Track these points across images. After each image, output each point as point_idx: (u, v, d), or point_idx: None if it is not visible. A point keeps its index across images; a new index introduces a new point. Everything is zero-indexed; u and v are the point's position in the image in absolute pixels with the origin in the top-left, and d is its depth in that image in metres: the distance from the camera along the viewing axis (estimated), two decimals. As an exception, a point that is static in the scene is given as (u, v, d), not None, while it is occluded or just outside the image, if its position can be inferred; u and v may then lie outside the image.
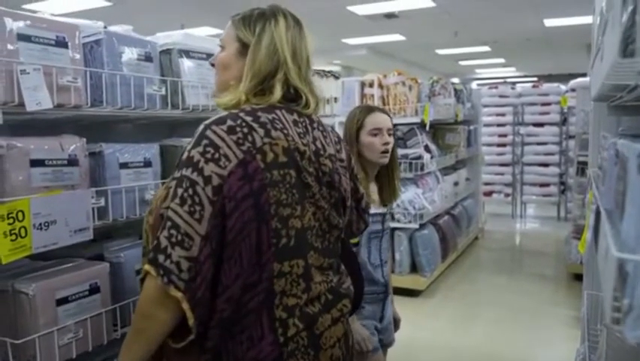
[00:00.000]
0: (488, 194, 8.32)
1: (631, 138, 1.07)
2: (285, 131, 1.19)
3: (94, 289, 1.58)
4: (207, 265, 1.08)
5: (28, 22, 1.42)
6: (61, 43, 1.50)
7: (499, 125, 8.42)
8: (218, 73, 1.32)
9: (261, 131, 1.15)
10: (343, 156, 1.36)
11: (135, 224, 2.04)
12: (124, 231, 2.07)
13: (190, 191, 1.08)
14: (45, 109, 1.41)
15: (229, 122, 1.14)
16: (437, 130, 5.57)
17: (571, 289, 4.67)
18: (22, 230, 1.35)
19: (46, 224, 1.41)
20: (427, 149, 4.68)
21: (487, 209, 8.13)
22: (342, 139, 1.42)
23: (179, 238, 1.06)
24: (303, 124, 1.26)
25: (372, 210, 1.93)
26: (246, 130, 1.14)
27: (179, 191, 1.09)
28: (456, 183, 5.66)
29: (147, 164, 1.79)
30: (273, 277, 1.14)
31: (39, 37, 1.44)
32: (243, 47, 1.26)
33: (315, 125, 1.30)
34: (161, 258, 1.06)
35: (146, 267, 1.08)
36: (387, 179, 2.04)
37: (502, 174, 8.40)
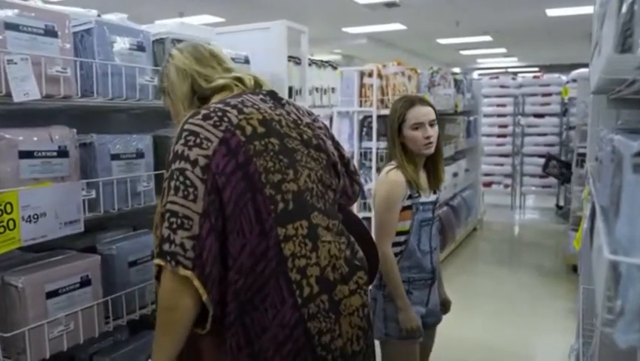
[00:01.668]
0: (488, 185, 8.30)
1: (629, 133, 1.05)
2: (256, 107, 1.30)
3: (85, 282, 1.56)
4: (210, 239, 1.13)
5: (16, 10, 1.39)
6: (51, 33, 1.47)
7: (499, 115, 8.37)
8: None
9: (234, 112, 1.25)
10: (320, 124, 1.45)
11: (129, 215, 2.02)
12: (118, 222, 2.06)
13: (181, 178, 1.15)
14: (33, 100, 1.38)
15: (203, 112, 1.24)
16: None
17: (569, 281, 4.67)
18: (11, 222, 1.33)
19: (35, 216, 1.39)
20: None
21: (487, 200, 8.12)
22: (313, 114, 1.49)
23: (179, 222, 1.12)
24: (271, 102, 1.36)
25: (423, 199, 2.01)
26: (220, 114, 1.23)
27: (172, 183, 1.16)
28: (455, 174, 5.63)
29: (139, 155, 1.77)
30: (280, 242, 1.19)
31: (27, 27, 1.41)
32: (168, 93, 1.45)
33: (284, 102, 1.40)
34: (165, 246, 1.12)
35: (156, 261, 1.14)
36: (432, 166, 2.06)
37: (501, 164, 8.37)
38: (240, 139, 1.20)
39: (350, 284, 1.29)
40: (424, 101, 2.04)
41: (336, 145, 1.48)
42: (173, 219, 1.12)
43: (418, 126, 1.98)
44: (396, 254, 1.99)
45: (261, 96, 1.36)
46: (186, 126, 1.22)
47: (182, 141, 1.19)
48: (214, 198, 1.15)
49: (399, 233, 2.00)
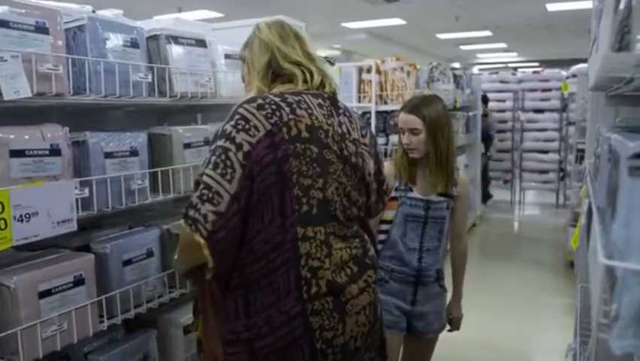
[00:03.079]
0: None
1: (626, 132, 1.03)
2: (310, 111, 1.34)
3: (78, 281, 1.55)
4: (234, 220, 1.20)
5: (6, 7, 1.37)
6: (42, 29, 1.45)
7: (499, 111, 8.33)
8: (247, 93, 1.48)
9: (287, 109, 1.30)
10: (367, 140, 1.47)
11: (126, 213, 2.01)
12: (114, 220, 2.05)
13: (223, 157, 1.22)
14: (24, 98, 1.37)
15: (259, 101, 1.30)
16: (436, 116, 5.50)
17: (568, 277, 4.66)
18: (2, 222, 1.32)
19: (27, 216, 1.38)
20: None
21: (486, 196, 8.10)
22: (365, 126, 1.53)
23: (210, 195, 1.19)
24: (328, 108, 1.40)
25: (413, 195, 2.03)
26: (274, 107, 1.29)
27: (213, 158, 1.23)
28: (454, 170, 5.61)
29: (134, 153, 1.75)
30: (298, 240, 1.25)
31: (17, 23, 1.39)
32: (246, 62, 1.50)
33: (341, 110, 1.44)
34: (191, 212, 1.19)
35: (182, 221, 1.22)
36: (433, 168, 2.03)
37: (501, 160, 8.35)
38: (284, 137, 1.27)
39: (359, 283, 1.35)
40: (413, 109, 1.99)
41: (378, 162, 1.52)
42: (205, 191, 1.19)
43: (401, 132, 2.03)
44: (380, 242, 2.01)
45: (320, 100, 1.39)
46: (240, 110, 1.28)
47: (232, 122, 1.26)
48: (248, 185, 1.21)
49: (383, 221, 2.03)
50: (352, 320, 1.31)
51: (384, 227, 2.04)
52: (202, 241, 1.18)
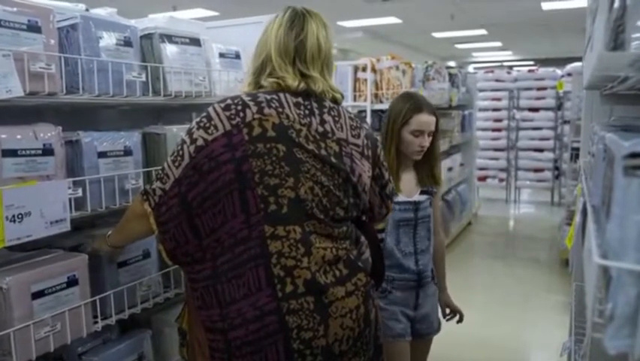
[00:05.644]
0: (482, 179, 8.29)
1: (621, 131, 1.03)
2: (280, 110, 1.33)
3: (72, 282, 1.54)
4: (174, 201, 1.33)
5: (-2, 5, 1.36)
6: (34, 28, 1.44)
7: (494, 109, 8.35)
8: None
9: (254, 108, 1.32)
10: (359, 142, 1.44)
11: (119, 213, 2.00)
12: (107, 220, 2.03)
13: (178, 148, 1.35)
14: (16, 97, 1.35)
15: (228, 101, 1.35)
16: (431, 115, 5.51)
17: (564, 275, 4.68)
18: (-6, 222, 1.31)
19: (20, 216, 1.37)
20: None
21: (481, 194, 8.12)
22: (363, 127, 1.48)
23: (161, 175, 1.36)
24: (308, 107, 1.38)
25: (401, 199, 1.97)
26: (239, 107, 1.32)
27: (174, 148, 1.37)
28: (450, 169, 5.62)
29: (127, 152, 1.74)
30: (266, 238, 1.27)
31: (9, 22, 1.37)
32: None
33: (326, 110, 1.41)
34: (147, 186, 1.40)
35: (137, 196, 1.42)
36: (426, 166, 2.04)
37: (496, 159, 8.36)
38: (244, 137, 1.29)
39: (347, 285, 1.34)
40: (430, 108, 2.00)
41: (379, 165, 1.51)
42: (159, 172, 1.37)
43: (418, 134, 1.96)
44: None
45: (299, 99, 1.38)
46: (209, 109, 1.35)
47: (197, 119, 1.35)
48: (192, 174, 1.31)
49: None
50: (337, 323, 1.30)
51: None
52: (149, 209, 1.35)
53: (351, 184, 1.39)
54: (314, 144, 1.34)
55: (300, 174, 1.31)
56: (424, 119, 1.96)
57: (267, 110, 1.32)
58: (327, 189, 1.34)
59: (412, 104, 1.98)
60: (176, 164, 1.33)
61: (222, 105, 1.34)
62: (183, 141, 1.34)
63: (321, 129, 1.37)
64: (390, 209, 1.61)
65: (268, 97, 1.35)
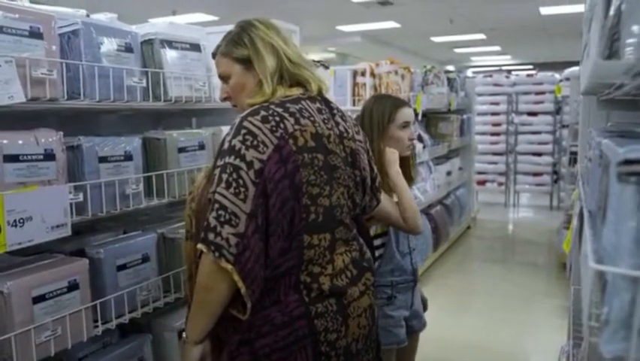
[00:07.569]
0: (481, 183, 8.30)
1: (617, 137, 1.04)
2: (312, 119, 1.32)
3: (72, 286, 1.55)
4: (254, 239, 1.18)
5: (0, 12, 1.37)
6: (36, 34, 1.45)
7: (493, 114, 8.36)
8: (237, 97, 1.42)
9: (292, 120, 1.28)
10: (361, 137, 1.48)
11: (120, 217, 2.01)
12: (108, 224, 2.04)
13: (234, 175, 1.19)
14: (18, 103, 1.36)
15: (262, 113, 1.26)
16: (430, 119, 5.53)
17: (562, 279, 4.67)
18: (-4, 227, 1.32)
19: (21, 221, 1.38)
20: (419, 138, 4.64)
21: (480, 198, 8.13)
22: (357, 123, 1.53)
23: (227, 217, 1.16)
24: (326, 111, 1.39)
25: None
26: (277, 119, 1.26)
27: (224, 176, 1.19)
28: (449, 173, 5.63)
29: (128, 157, 1.75)
30: (304, 247, 1.27)
31: (11, 28, 1.39)
32: (245, 62, 1.39)
33: (335, 111, 1.43)
34: (211, 236, 1.16)
35: (199, 246, 1.18)
36: (406, 167, 2.04)
37: (495, 163, 8.37)
38: (292, 148, 1.24)
39: (359, 285, 1.37)
40: (407, 104, 2.06)
41: (369, 159, 1.51)
42: (221, 212, 1.17)
43: (405, 125, 1.98)
44: (376, 258, 1.92)
45: (317, 105, 1.38)
46: (245, 124, 1.24)
47: (240, 138, 1.22)
48: (262, 202, 1.19)
49: (376, 236, 1.95)
50: (355, 323, 1.33)
51: (377, 242, 1.96)
52: (229, 266, 1.15)
53: (363, 180, 1.43)
54: (339, 147, 1.36)
55: (333, 181, 1.32)
56: (408, 111, 2.01)
57: (302, 121, 1.29)
58: (351, 192, 1.38)
59: (391, 101, 2.02)
60: (241, 197, 1.18)
61: (259, 118, 1.25)
62: (237, 167, 1.19)
63: (337, 131, 1.38)
64: (379, 201, 1.59)
65: (297, 107, 1.31)
